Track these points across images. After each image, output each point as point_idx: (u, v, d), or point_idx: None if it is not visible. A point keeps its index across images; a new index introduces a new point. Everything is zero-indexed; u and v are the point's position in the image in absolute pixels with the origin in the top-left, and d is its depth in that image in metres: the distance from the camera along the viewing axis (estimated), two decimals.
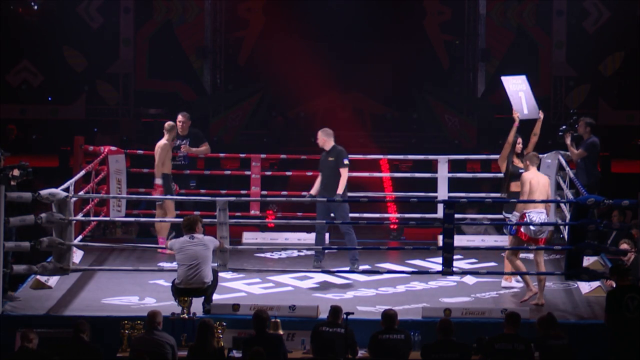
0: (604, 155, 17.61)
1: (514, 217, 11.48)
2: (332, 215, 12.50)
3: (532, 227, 11.25)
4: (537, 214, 11.27)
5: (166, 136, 13.38)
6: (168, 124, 13.50)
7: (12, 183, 11.02)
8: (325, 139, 12.56)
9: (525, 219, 11.27)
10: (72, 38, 24.06)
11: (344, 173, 12.38)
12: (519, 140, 12.12)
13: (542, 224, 11.22)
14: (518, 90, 12.29)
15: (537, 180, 11.41)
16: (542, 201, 12.95)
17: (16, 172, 10.99)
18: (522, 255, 13.34)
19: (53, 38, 24.06)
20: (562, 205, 13.20)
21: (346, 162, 12.40)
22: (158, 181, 13.23)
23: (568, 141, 13.14)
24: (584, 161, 13.11)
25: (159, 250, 12.92)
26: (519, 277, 11.71)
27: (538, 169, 12.04)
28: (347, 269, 12.26)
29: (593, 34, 24.08)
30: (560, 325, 9.57)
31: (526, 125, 12.16)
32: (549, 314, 9.60)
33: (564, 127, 13.28)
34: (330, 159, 12.47)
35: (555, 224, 13.51)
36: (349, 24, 24.38)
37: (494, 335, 9.43)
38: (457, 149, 22.79)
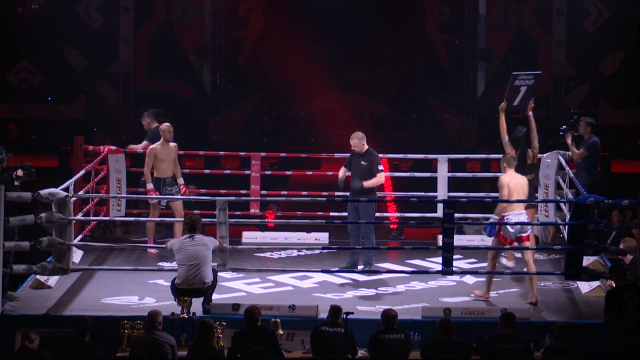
0: (604, 155, 17.61)
1: (493, 220, 11.41)
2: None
3: (511, 230, 11.26)
4: (516, 216, 11.27)
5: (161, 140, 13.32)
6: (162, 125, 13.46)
7: (16, 183, 11.07)
8: (363, 143, 12.53)
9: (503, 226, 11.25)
10: (72, 38, 24.05)
11: (382, 177, 12.46)
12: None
13: (517, 224, 11.19)
14: (521, 85, 12.70)
15: (515, 183, 11.38)
16: (543, 201, 12.99)
17: (20, 173, 11.05)
18: (521, 255, 13.41)
19: (53, 38, 24.05)
20: (562, 205, 13.20)
21: (381, 168, 12.46)
22: (149, 186, 13.18)
23: (569, 141, 13.15)
24: (585, 161, 13.10)
25: (148, 250, 12.98)
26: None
27: (532, 169, 12.22)
28: (347, 269, 12.28)
29: (593, 34, 24.07)
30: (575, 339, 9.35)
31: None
32: (571, 326, 9.44)
33: (564, 127, 13.30)
34: (364, 163, 12.45)
35: (555, 224, 13.53)
36: (349, 24, 24.37)
37: (493, 336, 9.42)
38: (457, 149, 22.78)
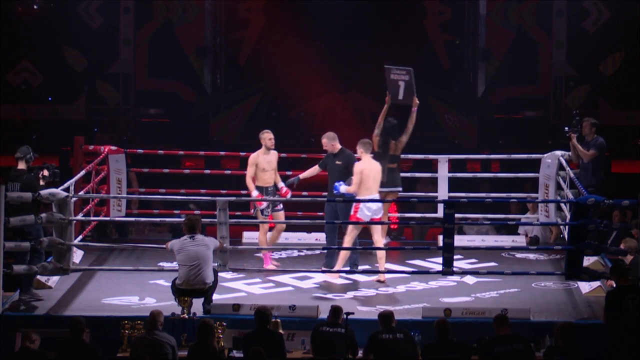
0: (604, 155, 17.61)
1: (342, 187, 12.12)
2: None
3: (367, 212, 11.90)
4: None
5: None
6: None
7: (42, 183, 11.13)
8: (333, 144, 12.58)
9: (359, 207, 11.92)
10: (72, 38, 24.04)
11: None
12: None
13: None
14: (398, 80, 13.20)
15: (369, 169, 12.08)
16: (543, 201, 13.00)
17: (46, 173, 11.13)
18: (521, 255, 13.45)
19: (53, 38, 24.04)
20: (562, 205, 13.20)
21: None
22: (254, 193, 12.64)
23: (575, 142, 13.01)
24: (591, 162, 12.97)
25: (266, 263, 12.71)
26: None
27: (395, 159, 12.92)
28: (347, 268, 12.27)
29: (593, 34, 24.06)
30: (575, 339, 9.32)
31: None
32: (571, 326, 9.43)
33: (567, 128, 13.20)
34: (338, 162, 12.48)
35: (555, 224, 13.55)
36: (349, 24, 24.35)
37: (492, 337, 9.36)
38: (457, 149, 22.78)
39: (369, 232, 12.33)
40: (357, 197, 11.96)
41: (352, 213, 12.08)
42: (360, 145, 12.25)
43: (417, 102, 13.14)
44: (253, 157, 12.73)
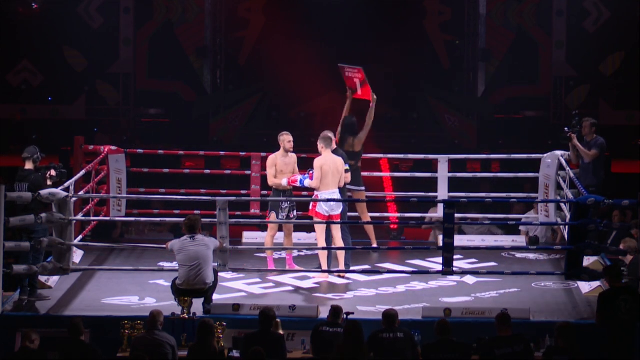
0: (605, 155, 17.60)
1: (306, 181, 12.27)
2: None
3: (325, 207, 12.04)
4: (330, 194, 12.11)
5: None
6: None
7: (49, 183, 11.15)
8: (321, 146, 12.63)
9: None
10: (72, 38, 24.04)
11: (348, 177, 12.48)
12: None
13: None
14: (353, 77, 13.65)
15: (329, 165, 12.17)
16: (543, 201, 13.00)
17: (53, 173, 11.16)
18: (521, 255, 13.46)
19: (53, 38, 24.03)
20: (562, 205, 13.20)
21: (347, 167, 12.46)
22: (284, 182, 12.44)
23: (576, 142, 12.98)
24: (592, 162, 12.94)
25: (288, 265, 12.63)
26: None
27: (354, 156, 12.95)
28: (342, 268, 12.29)
29: (593, 34, 24.06)
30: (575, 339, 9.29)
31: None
32: (571, 326, 9.41)
33: (567, 128, 13.18)
34: None
35: (555, 223, 13.54)
36: (349, 24, 24.34)
37: (492, 338, 9.34)
38: (457, 149, 22.77)
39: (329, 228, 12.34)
40: (318, 192, 12.10)
41: (310, 208, 12.21)
42: (320, 140, 12.33)
43: (375, 97, 13.31)
44: (271, 158, 12.58)
